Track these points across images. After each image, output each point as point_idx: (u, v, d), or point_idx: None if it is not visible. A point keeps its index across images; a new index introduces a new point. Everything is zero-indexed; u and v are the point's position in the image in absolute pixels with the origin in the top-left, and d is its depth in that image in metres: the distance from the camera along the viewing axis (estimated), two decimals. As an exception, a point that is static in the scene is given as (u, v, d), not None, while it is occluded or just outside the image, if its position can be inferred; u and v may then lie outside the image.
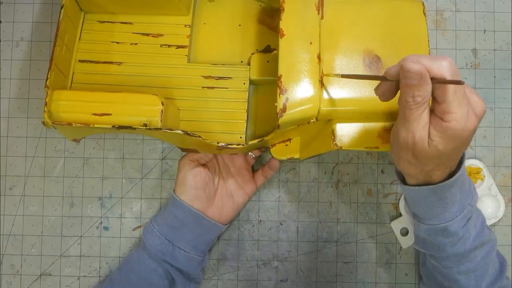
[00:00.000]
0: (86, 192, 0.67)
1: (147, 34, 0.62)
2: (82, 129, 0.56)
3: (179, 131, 0.53)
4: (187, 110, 0.61)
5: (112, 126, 0.53)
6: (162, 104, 0.54)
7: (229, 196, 0.62)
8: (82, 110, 0.54)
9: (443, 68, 0.41)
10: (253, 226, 0.66)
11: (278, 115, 0.51)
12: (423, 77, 0.42)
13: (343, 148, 0.54)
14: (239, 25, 0.64)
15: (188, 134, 0.53)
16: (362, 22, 0.54)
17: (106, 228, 0.67)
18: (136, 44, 0.62)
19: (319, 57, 0.53)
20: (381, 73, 0.52)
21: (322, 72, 0.52)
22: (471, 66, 0.68)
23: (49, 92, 0.54)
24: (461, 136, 0.43)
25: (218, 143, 0.55)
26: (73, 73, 0.61)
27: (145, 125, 0.53)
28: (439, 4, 0.68)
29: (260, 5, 0.65)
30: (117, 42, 0.62)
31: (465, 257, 0.52)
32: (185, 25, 0.62)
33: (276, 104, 0.51)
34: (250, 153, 0.63)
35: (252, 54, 0.62)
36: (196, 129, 0.60)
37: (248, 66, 0.62)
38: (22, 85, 0.68)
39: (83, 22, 0.63)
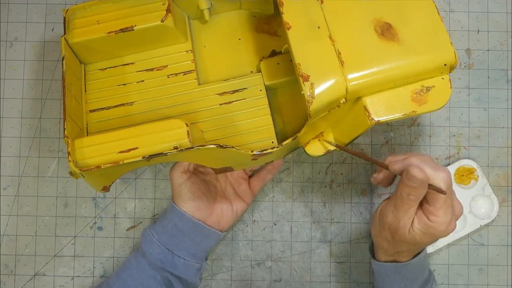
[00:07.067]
0: (80, 192, 0.67)
1: (151, 69, 0.61)
2: (112, 171, 0.54)
3: (212, 146, 0.52)
4: (211, 130, 0.59)
5: (142, 158, 0.51)
6: (187, 125, 0.53)
7: (228, 205, 0.62)
8: (107, 151, 0.52)
9: (441, 180, 0.48)
10: (247, 226, 0.66)
11: (308, 103, 0.50)
12: (423, 183, 0.48)
13: (381, 121, 0.52)
14: (239, 39, 0.63)
15: (222, 146, 0.52)
16: None
17: (100, 228, 0.67)
18: (142, 81, 0.61)
19: (331, 38, 0.52)
20: (397, 40, 0.52)
21: (339, 52, 0.51)
22: (465, 66, 0.68)
23: (69, 142, 0.53)
24: (438, 236, 0.51)
25: (252, 151, 0.54)
26: (87, 124, 0.60)
27: (176, 147, 0.52)
28: (433, 4, 0.68)
29: (254, 16, 0.64)
30: (124, 84, 0.60)
31: None
32: (187, 51, 0.61)
33: (302, 92, 0.50)
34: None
35: (260, 61, 0.62)
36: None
37: (260, 73, 0.61)
38: (16, 85, 0.68)
39: (85, 74, 0.61)
